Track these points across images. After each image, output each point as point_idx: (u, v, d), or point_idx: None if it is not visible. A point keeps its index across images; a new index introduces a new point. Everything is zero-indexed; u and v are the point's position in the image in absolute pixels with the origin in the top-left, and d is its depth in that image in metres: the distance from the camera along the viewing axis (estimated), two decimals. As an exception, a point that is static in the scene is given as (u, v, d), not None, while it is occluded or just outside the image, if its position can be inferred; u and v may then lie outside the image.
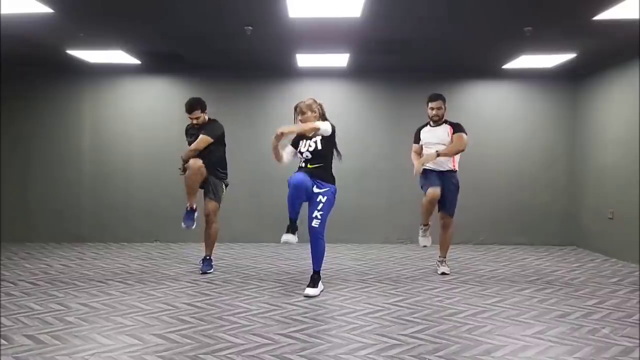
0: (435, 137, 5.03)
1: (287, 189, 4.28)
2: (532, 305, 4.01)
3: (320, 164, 4.36)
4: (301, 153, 4.41)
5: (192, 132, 5.18)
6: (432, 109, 5.02)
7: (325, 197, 4.30)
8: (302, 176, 4.22)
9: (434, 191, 4.88)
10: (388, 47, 5.48)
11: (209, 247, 5.21)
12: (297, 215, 4.29)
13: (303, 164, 4.41)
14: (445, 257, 5.21)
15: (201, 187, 5.12)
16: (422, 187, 5.08)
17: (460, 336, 3.29)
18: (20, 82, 6.75)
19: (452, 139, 4.96)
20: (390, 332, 3.37)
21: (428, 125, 5.15)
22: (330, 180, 4.40)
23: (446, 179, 5.01)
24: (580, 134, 6.80)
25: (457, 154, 4.99)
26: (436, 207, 5.08)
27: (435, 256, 5.46)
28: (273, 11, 4.32)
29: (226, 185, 5.23)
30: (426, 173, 5.02)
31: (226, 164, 5.24)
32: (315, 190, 4.29)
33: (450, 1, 4.12)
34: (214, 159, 5.11)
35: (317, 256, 4.36)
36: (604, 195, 6.25)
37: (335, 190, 4.42)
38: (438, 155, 4.87)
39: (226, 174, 5.24)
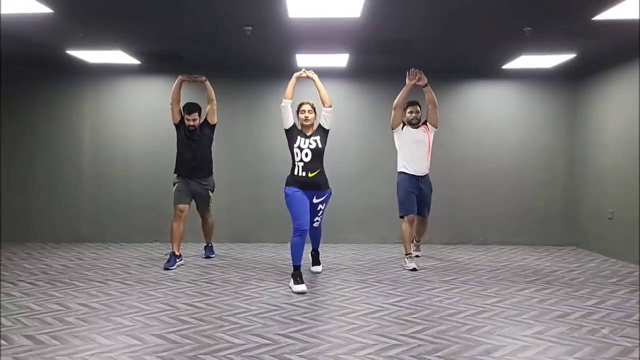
0: (414, 139, 5.31)
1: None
2: (532, 305, 4.02)
3: (319, 169, 4.58)
4: (300, 149, 4.50)
5: (193, 137, 5.36)
6: (411, 112, 5.33)
7: (325, 204, 4.68)
8: (304, 215, 4.44)
9: (413, 218, 5.31)
10: (388, 47, 5.48)
11: (209, 236, 5.84)
12: (301, 259, 4.52)
13: (303, 172, 4.51)
14: (419, 242, 5.74)
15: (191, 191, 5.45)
16: (399, 199, 5.32)
17: (460, 336, 3.29)
18: (20, 82, 6.74)
19: (428, 133, 5.34)
20: (390, 332, 3.37)
21: (407, 127, 5.42)
22: (327, 184, 4.68)
23: (423, 183, 5.35)
24: (580, 134, 6.80)
25: (434, 99, 5.29)
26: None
27: (434, 256, 5.48)
28: (273, 11, 4.32)
29: (213, 191, 5.58)
30: (405, 180, 5.30)
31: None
32: (315, 200, 4.58)
33: (450, 1, 4.12)
34: (207, 167, 5.46)
35: (317, 239, 4.87)
36: (603, 195, 6.24)
37: (331, 191, 4.74)
38: (426, 85, 5.23)
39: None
